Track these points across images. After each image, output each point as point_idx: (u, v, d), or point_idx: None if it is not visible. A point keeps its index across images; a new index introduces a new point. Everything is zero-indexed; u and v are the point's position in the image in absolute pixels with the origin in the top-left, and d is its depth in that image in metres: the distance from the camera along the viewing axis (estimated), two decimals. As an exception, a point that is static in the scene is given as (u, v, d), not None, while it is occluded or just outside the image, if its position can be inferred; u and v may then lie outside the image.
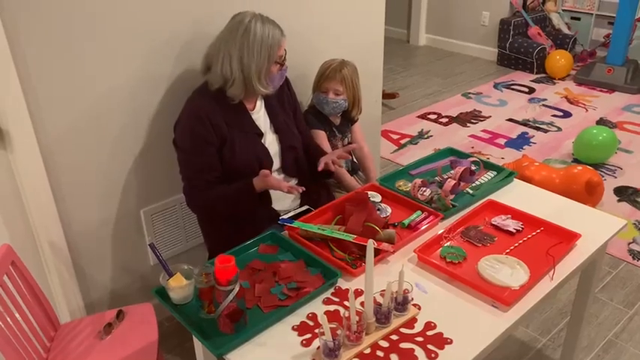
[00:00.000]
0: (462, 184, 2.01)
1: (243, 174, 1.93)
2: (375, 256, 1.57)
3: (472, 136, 4.17)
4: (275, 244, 1.73)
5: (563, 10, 5.89)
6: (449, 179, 1.97)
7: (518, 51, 5.47)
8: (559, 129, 4.27)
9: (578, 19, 5.84)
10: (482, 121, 4.44)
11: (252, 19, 1.86)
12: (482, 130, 4.26)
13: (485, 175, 2.11)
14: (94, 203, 2.05)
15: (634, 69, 5.02)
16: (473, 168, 2.08)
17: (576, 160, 3.73)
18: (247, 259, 1.65)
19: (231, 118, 1.93)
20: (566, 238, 1.72)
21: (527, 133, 4.20)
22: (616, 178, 3.55)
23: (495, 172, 2.13)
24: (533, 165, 3.20)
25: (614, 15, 5.05)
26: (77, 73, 1.85)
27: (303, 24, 2.48)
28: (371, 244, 1.31)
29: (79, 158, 1.95)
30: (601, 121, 4.36)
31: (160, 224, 2.26)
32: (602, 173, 3.54)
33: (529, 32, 5.52)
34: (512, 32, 5.51)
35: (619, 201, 3.31)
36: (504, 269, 1.60)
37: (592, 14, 5.71)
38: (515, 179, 2.09)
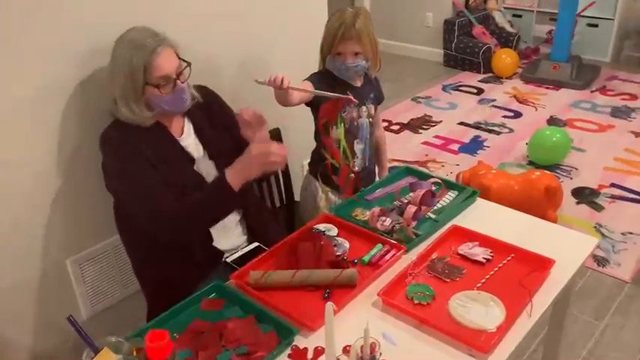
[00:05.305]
0: (423, 208, 1.85)
1: None
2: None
3: (425, 143, 4.05)
4: (220, 298, 1.51)
5: (504, 8, 5.89)
6: (409, 205, 1.81)
7: (464, 51, 5.41)
8: (511, 130, 4.20)
9: (520, 16, 5.85)
10: (433, 126, 4.34)
11: (119, 40, 1.65)
12: (434, 136, 4.15)
13: (446, 196, 1.96)
14: (11, 261, 1.78)
15: (578, 65, 5.04)
16: (433, 189, 1.92)
17: (532, 163, 3.66)
18: (187, 319, 1.43)
19: (154, 148, 1.69)
20: (540, 266, 1.58)
21: (479, 137, 4.12)
22: (572, 179, 3.49)
23: (457, 192, 1.99)
24: (491, 173, 3.09)
25: (555, 11, 5.07)
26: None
27: (240, 34, 2.28)
28: (330, 308, 1.12)
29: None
30: (551, 120, 4.33)
31: (91, 273, 2.00)
32: (558, 175, 3.47)
33: (474, 32, 5.48)
34: (456, 32, 5.45)
35: (578, 203, 3.25)
36: (477, 307, 1.45)
37: (533, 11, 5.73)
38: (478, 198, 1.95)
